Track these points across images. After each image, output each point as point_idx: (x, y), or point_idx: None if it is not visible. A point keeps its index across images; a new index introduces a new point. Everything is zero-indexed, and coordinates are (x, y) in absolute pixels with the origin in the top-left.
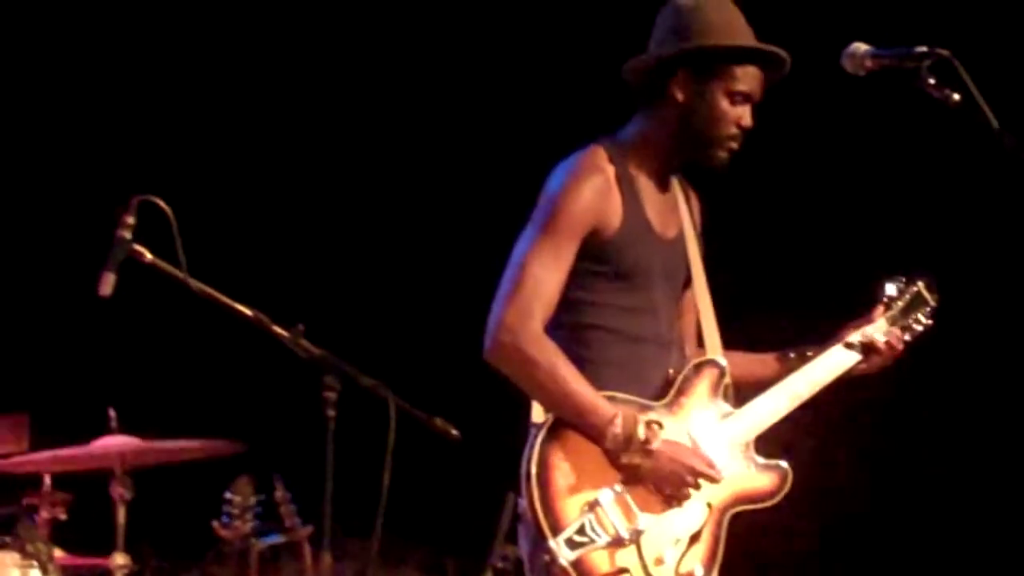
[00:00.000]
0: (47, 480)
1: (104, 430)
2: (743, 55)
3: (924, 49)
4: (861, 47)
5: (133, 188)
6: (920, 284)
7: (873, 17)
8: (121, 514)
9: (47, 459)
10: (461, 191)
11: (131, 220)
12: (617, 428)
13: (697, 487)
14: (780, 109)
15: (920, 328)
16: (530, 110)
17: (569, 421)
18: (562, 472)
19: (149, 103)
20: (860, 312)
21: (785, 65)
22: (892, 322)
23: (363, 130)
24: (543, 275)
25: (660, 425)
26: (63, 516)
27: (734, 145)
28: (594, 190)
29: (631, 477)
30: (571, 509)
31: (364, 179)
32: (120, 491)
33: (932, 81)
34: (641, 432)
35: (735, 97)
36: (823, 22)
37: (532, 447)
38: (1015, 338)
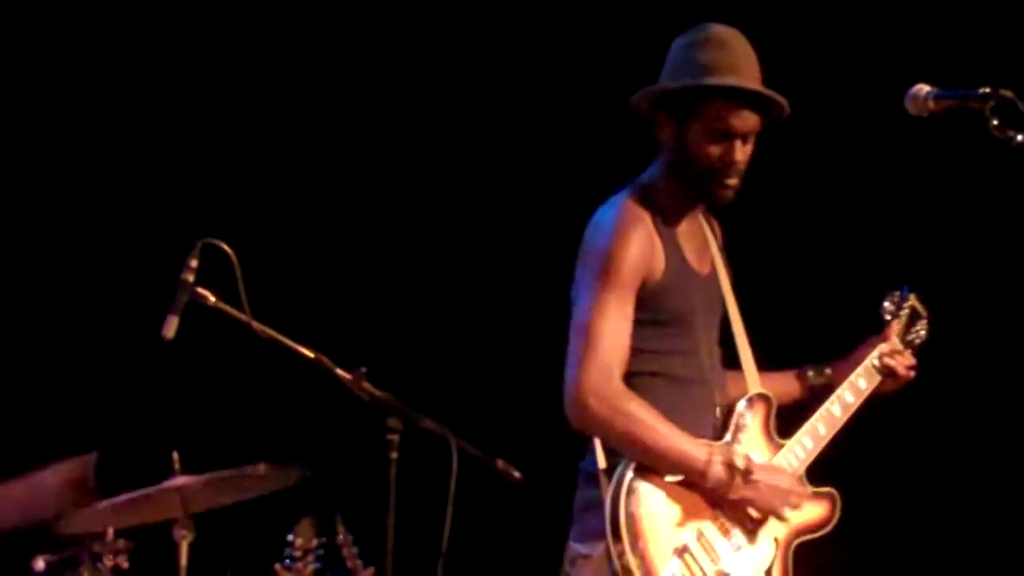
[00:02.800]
0: (109, 528)
1: (168, 474)
2: (714, 92)
3: (987, 90)
4: (924, 88)
5: (196, 232)
6: (912, 297)
7: (935, 59)
8: (184, 556)
9: (106, 511)
10: (520, 236)
11: (195, 263)
12: (718, 466)
13: (797, 508)
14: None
15: (919, 342)
16: (592, 160)
17: (665, 468)
18: (649, 519)
19: (215, 148)
20: (872, 331)
21: (766, 97)
22: (900, 339)
23: (427, 178)
24: (612, 331)
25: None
26: (125, 564)
27: (729, 181)
28: (641, 240)
29: (712, 517)
30: (662, 555)
31: (426, 223)
32: (182, 532)
33: (996, 122)
34: (740, 462)
35: (714, 135)
36: (887, 63)
37: (617, 495)
38: None
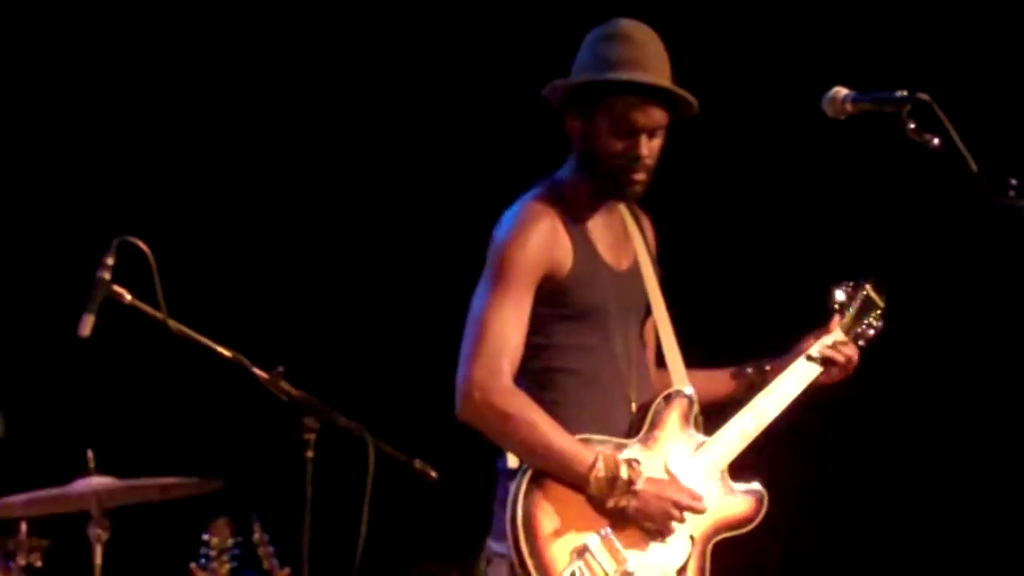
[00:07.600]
0: (23, 527)
1: (83, 472)
2: (618, 87)
3: (904, 93)
4: (841, 91)
5: (113, 229)
6: (868, 287)
7: (855, 61)
8: (98, 555)
9: (22, 502)
10: (438, 235)
11: (111, 261)
12: (600, 473)
13: (683, 520)
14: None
15: (873, 332)
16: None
17: (549, 470)
18: (548, 519)
19: (131, 145)
20: (816, 323)
21: (671, 92)
22: (847, 329)
23: (339, 175)
24: (505, 328)
25: (639, 463)
26: (39, 563)
27: (636, 176)
28: (541, 236)
29: (616, 518)
30: (560, 556)
31: (340, 221)
32: (97, 532)
33: (912, 125)
34: (624, 473)
35: (618, 130)
36: (806, 65)
37: (516, 495)
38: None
